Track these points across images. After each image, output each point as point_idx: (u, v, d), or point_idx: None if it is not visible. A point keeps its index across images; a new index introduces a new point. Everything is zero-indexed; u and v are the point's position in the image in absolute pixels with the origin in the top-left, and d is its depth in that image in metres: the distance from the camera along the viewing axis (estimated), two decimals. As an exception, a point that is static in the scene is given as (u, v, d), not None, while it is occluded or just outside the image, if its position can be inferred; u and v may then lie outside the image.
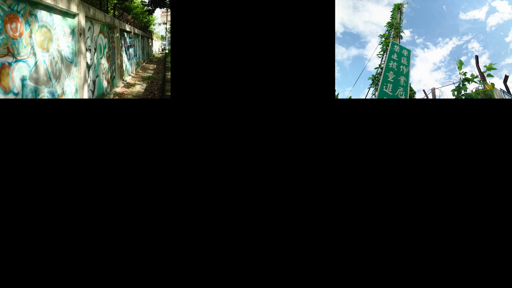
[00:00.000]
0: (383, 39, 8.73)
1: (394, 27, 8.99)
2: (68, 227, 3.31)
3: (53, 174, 3.45)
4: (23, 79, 5.01)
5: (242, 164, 3.19)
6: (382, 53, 8.24)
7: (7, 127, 3.45)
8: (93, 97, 8.50)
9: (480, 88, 5.61)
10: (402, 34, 9.00)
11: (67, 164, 3.45)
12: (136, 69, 15.92)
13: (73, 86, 6.89)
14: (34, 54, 5.31)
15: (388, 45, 7.64)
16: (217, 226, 3.25)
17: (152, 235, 3.36)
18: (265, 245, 3.20)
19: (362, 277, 3.03)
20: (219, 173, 3.32)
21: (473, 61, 6.25)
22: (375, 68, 8.13)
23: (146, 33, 20.39)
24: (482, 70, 5.92)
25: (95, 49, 8.73)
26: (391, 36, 8.80)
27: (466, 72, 5.57)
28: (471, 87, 5.60)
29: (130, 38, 14.43)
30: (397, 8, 9.34)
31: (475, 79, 5.54)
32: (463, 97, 5.37)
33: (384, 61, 7.24)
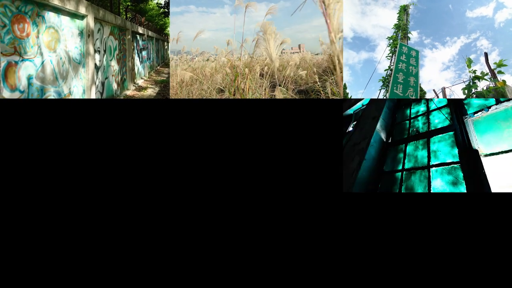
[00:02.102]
0: (391, 41, 9.12)
1: (401, 29, 9.26)
2: (67, 226, 3.52)
3: (54, 171, 3.68)
4: (29, 78, 5.40)
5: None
6: (390, 55, 8.72)
7: (9, 126, 3.74)
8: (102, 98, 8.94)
9: (491, 85, 5.45)
10: (409, 35, 9.32)
11: (68, 162, 3.69)
12: (149, 72, 16.45)
13: (80, 87, 7.31)
14: (41, 54, 5.70)
15: (396, 47, 7.78)
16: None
17: (153, 231, 3.56)
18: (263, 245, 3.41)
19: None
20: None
21: (482, 58, 6.37)
22: (385, 70, 8.79)
23: (162, 36, 21.00)
24: (492, 67, 5.87)
25: (105, 51, 9.20)
26: (399, 37, 9.05)
27: (475, 70, 5.50)
28: (482, 85, 5.50)
29: (143, 40, 14.97)
30: (403, 10, 9.63)
31: (485, 77, 5.42)
32: (474, 96, 5.35)
33: (393, 63, 7.41)
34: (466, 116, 4.63)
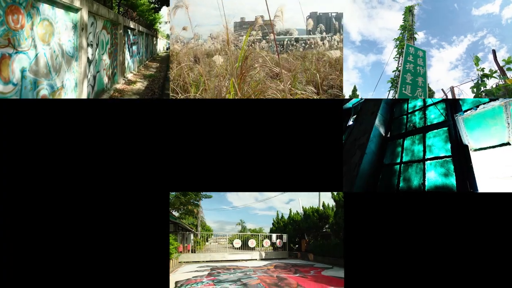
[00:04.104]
0: (398, 42, 9.18)
1: (407, 29, 9.28)
2: (65, 225, 3.43)
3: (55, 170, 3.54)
4: (22, 71, 5.22)
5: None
6: (398, 56, 8.82)
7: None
8: (93, 92, 8.71)
9: (501, 83, 5.28)
10: (416, 36, 9.33)
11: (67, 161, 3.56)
12: (138, 66, 16.10)
13: (72, 80, 7.11)
14: (35, 46, 5.51)
15: (403, 48, 7.75)
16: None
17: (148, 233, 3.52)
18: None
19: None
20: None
21: (490, 56, 6.18)
22: (393, 71, 8.91)
23: (151, 31, 20.60)
24: (501, 65, 5.68)
25: (97, 45, 8.95)
26: (405, 38, 9.08)
27: (484, 68, 5.39)
28: (491, 83, 5.38)
29: (134, 35, 14.63)
30: (408, 11, 9.63)
31: (494, 74, 5.30)
32: (483, 94, 5.27)
33: (401, 64, 7.40)
34: (457, 114, 4.85)
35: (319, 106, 3.74)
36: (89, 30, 7.98)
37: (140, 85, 12.17)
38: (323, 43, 11.00)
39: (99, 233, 3.44)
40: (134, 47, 14.34)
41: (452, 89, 8.10)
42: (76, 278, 3.37)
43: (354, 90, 16.42)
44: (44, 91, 5.93)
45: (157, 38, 21.67)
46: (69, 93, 6.93)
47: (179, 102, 3.86)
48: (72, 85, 7.11)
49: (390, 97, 8.36)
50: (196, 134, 3.65)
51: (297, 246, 13.83)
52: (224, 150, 3.66)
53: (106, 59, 9.74)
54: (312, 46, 11.99)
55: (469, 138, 4.62)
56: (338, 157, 3.66)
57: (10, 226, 3.36)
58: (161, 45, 23.42)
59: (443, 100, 5.59)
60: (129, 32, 13.10)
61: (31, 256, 3.37)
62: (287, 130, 3.66)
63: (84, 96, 7.67)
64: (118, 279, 3.40)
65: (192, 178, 3.60)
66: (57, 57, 6.31)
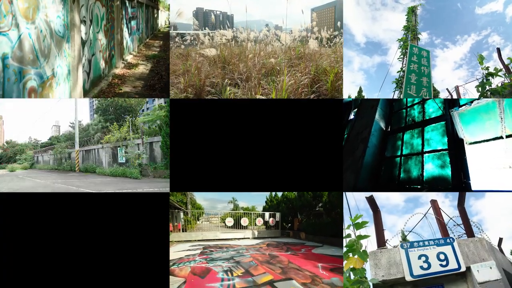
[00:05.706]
0: (402, 43, 9.65)
1: (411, 30, 9.83)
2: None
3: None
4: (4, 58, 4.34)
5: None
6: (402, 56, 9.26)
7: None
8: (89, 80, 7.77)
9: (506, 81, 5.51)
10: (419, 36, 9.92)
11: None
12: (138, 46, 14.89)
13: (65, 67, 6.20)
14: (17, 25, 4.59)
15: (407, 48, 8.32)
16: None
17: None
18: None
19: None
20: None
21: (495, 55, 6.52)
22: (397, 72, 9.34)
23: (151, 2, 19.17)
24: (506, 63, 6.01)
25: (91, 21, 7.91)
26: (409, 39, 9.64)
27: (488, 67, 5.57)
28: (496, 81, 5.58)
29: (132, 7, 13.36)
30: (411, 11, 10.14)
31: (499, 73, 5.50)
32: (488, 93, 5.40)
33: (405, 64, 7.86)
34: (453, 109, 5.26)
35: (319, 106, 3.95)
36: (81, 2, 6.98)
37: (143, 68, 11.20)
38: (207, 39, 10.80)
39: (99, 232, 3.60)
40: (133, 23, 13.23)
41: (457, 88, 8.76)
42: (75, 277, 3.66)
43: (360, 91, 17.45)
44: (31, 82, 5.06)
45: (158, 9, 20.39)
46: (61, 83, 6.05)
47: (179, 102, 4.01)
48: (65, 73, 6.22)
49: (396, 97, 8.97)
50: (195, 134, 3.81)
51: (289, 225, 14.39)
52: (224, 150, 3.86)
53: (102, 38, 8.75)
54: (195, 42, 11.93)
55: (464, 132, 5.06)
56: (338, 157, 3.90)
57: (10, 226, 3.58)
58: (162, 19, 22.15)
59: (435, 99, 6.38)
60: (127, 3, 11.98)
61: (32, 255, 3.56)
62: (287, 130, 3.89)
63: (79, 85, 6.78)
64: (119, 277, 3.66)
65: (192, 178, 3.83)
66: (45, 38, 5.39)
